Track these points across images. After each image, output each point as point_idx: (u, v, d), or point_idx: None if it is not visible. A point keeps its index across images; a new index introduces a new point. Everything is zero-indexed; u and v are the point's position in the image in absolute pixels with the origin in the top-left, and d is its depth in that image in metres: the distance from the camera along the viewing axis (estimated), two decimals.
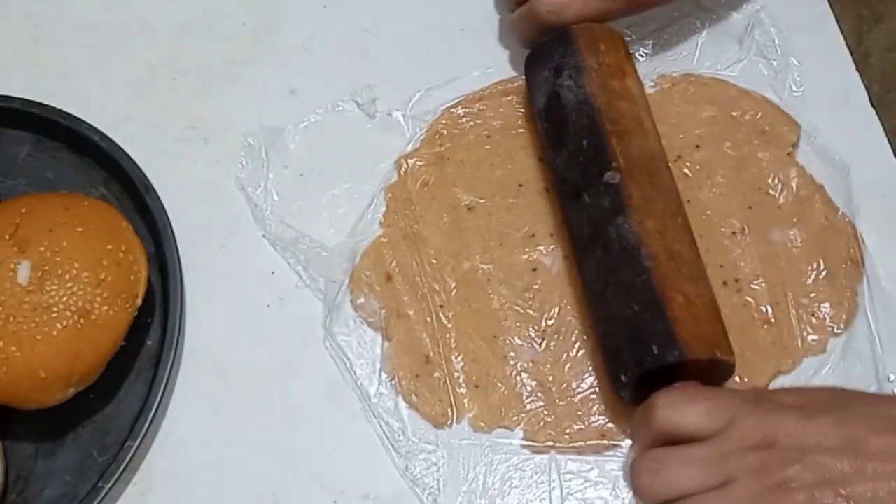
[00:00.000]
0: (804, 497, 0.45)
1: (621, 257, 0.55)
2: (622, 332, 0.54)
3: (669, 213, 0.57)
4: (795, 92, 0.66)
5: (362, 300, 0.61)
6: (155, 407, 0.57)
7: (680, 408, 0.50)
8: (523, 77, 0.67)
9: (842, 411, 0.48)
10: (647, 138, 0.60)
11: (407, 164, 0.65)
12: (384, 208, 0.64)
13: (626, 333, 0.54)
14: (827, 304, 0.60)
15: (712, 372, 0.54)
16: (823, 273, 0.61)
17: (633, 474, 0.51)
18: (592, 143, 0.58)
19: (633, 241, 0.55)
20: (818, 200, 0.63)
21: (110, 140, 0.64)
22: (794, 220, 0.62)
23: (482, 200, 0.64)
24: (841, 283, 0.61)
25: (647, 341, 0.53)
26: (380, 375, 0.59)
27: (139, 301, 0.58)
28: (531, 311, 0.61)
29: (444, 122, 0.66)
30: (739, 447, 0.48)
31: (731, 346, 0.55)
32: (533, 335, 0.60)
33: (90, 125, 0.64)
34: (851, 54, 0.67)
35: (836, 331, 0.60)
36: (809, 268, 0.61)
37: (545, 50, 0.63)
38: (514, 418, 0.58)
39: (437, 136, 0.66)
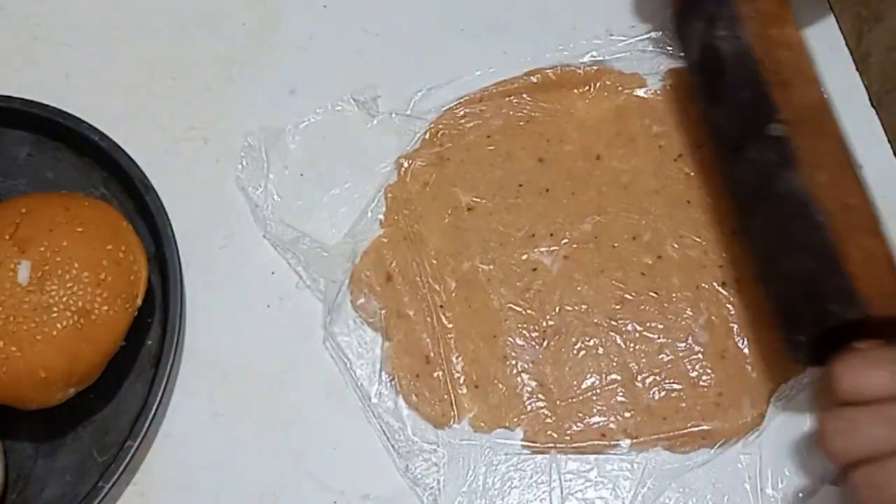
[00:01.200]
0: None
1: (792, 213, 0.53)
2: (798, 290, 0.52)
3: (840, 165, 0.55)
4: None
5: (362, 300, 0.61)
6: (155, 407, 0.57)
7: (863, 373, 0.49)
8: (524, 77, 0.67)
9: None
10: (812, 87, 0.57)
11: (407, 164, 0.65)
12: (384, 208, 0.64)
13: (803, 292, 0.52)
14: None
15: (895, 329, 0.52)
16: None
17: (825, 435, 0.49)
18: (754, 95, 0.57)
19: (803, 195, 0.53)
20: None
21: (110, 140, 0.64)
22: None
23: (482, 200, 0.64)
24: None
25: (826, 299, 0.51)
26: (380, 375, 0.60)
27: (139, 301, 0.58)
28: (531, 312, 0.61)
29: (444, 122, 0.66)
30: None
31: None
32: (533, 335, 0.60)
33: (90, 125, 0.64)
34: (851, 54, 0.67)
35: None
36: None
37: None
38: (515, 419, 0.58)
39: (437, 137, 0.66)
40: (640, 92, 0.66)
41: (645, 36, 0.68)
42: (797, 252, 0.53)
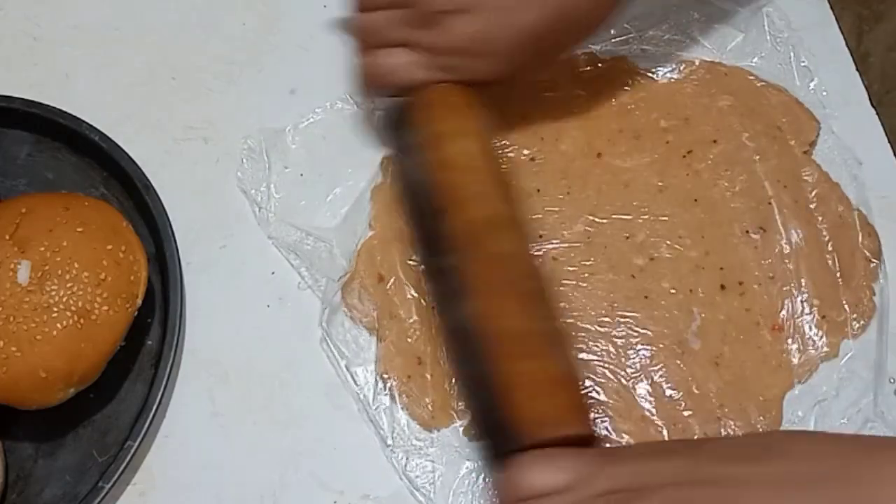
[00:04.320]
0: None
1: (464, 346, 0.55)
2: (475, 421, 0.56)
3: (507, 286, 0.55)
4: (810, 89, 0.66)
5: (356, 301, 0.61)
6: (155, 407, 0.57)
7: (546, 466, 0.50)
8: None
9: (690, 448, 0.51)
10: (483, 204, 0.57)
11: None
12: (372, 209, 0.63)
13: (478, 423, 0.55)
14: (841, 306, 0.60)
15: (570, 441, 0.52)
16: (838, 274, 0.60)
17: None
18: (429, 227, 0.58)
19: (467, 327, 0.54)
20: (834, 199, 0.62)
21: (110, 140, 0.64)
22: (808, 219, 0.62)
23: None
24: (859, 283, 0.60)
25: (492, 433, 0.53)
26: (375, 375, 0.59)
27: (139, 301, 0.58)
28: None
29: None
30: (595, 494, 0.48)
31: (582, 413, 0.53)
32: None
33: (90, 125, 0.64)
34: (851, 54, 0.67)
35: (852, 333, 0.59)
36: (823, 269, 0.60)
37: (390, 121, 0.61)
38: None
39: None
40: (648, 85, 0.66)
41: (653, 27, 0.68)
42: (471, 385, 0.54)
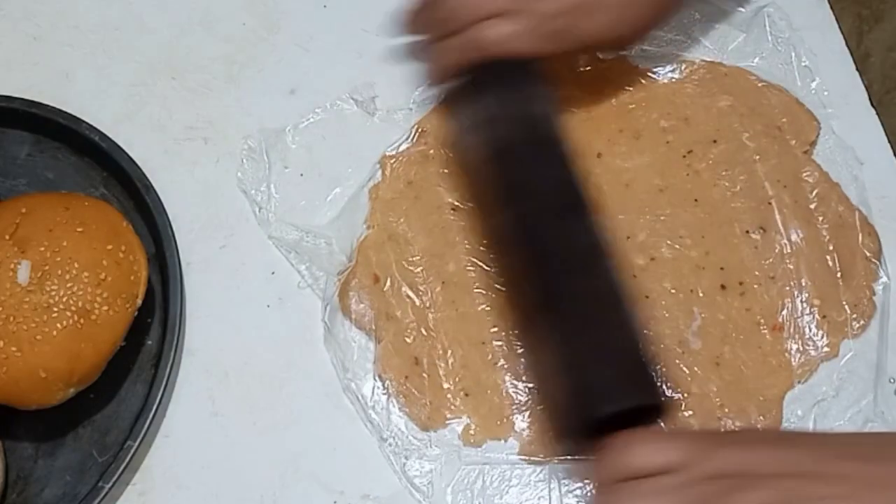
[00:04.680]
0: None
1: (597, 302, 0.53)
2: (602, 366, 0.52)
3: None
4: (810, 89, 0.66)
5: (353, 301, 0.61)
6: (155, 407, 0.57)
7: (652, 445, 0.50)
8: None
9: (803, 439, 0.51)
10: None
11: (391, 163, 0.64)
12: (369, 208, 0.63)
13: (609, 368, 0.52)
14: (841, 306, 0.59)
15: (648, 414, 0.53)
16: (839, 274, 0.60)
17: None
18: (566, 175, 0.57)
19: (622, 287, 0.54)
20: (834, 199, 0.62)
21: (110, 140, 0.64)
22: (808, 219, 0.61)
23: (467, 200, 0.63)
24: (859, 283, 0.60)
25: (632, 381, 0.52)
26: (373, 375, 0.59)
27: (139, 301, 0.58)
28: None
29: (431, 120, 0.65)
30: (704, 476, 0.48)
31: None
32: (521, 342, 0.59)
33: (90, 125, 0.64)
34: (851, 54, 0.67)
35: (852, 333, 0.59)
36: (823, 268, 0.60)
37: (504, 77, 0.59)
38: (507, 432, 0.57)
39: (422, 135, 0.65)
40: (648, 85, 0.66)
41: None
42: (612, 330, 0.53)
